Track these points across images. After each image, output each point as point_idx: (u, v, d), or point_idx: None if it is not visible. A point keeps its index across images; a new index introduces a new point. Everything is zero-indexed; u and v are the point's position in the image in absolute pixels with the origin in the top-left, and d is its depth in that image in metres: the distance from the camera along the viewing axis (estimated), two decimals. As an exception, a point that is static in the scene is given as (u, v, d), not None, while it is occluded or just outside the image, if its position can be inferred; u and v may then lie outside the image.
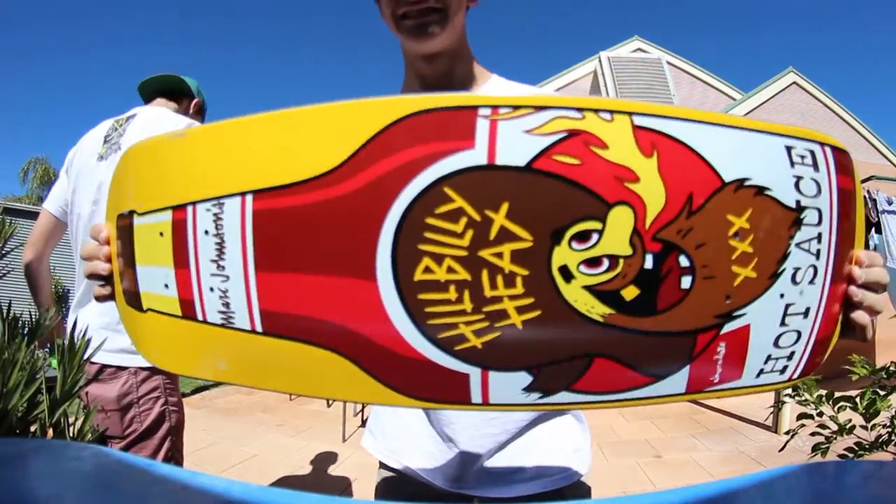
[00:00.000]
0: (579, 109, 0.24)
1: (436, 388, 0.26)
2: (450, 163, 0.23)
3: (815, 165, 0.29)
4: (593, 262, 0.25)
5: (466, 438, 0.58)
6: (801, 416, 1.24)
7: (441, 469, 0.59)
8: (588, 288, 0.25)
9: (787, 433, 1.29)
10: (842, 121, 5.76)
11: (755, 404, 3.92)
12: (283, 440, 3.26)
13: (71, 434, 0.62)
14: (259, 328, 0.26)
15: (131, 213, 0.29)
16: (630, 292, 0.25)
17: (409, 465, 0.62)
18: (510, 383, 0.26)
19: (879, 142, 5.94)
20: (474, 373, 0.25)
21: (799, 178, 0.28)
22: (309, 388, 0.28)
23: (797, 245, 0.29)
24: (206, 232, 0.26)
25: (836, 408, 1.21)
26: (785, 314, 0.29)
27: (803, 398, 1.25)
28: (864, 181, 4.17)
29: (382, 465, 0.66)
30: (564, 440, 0.61)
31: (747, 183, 0.27)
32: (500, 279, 0.24)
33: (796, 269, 0.29)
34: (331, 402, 4.44)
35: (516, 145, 0.23)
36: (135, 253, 0.29)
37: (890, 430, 1.17)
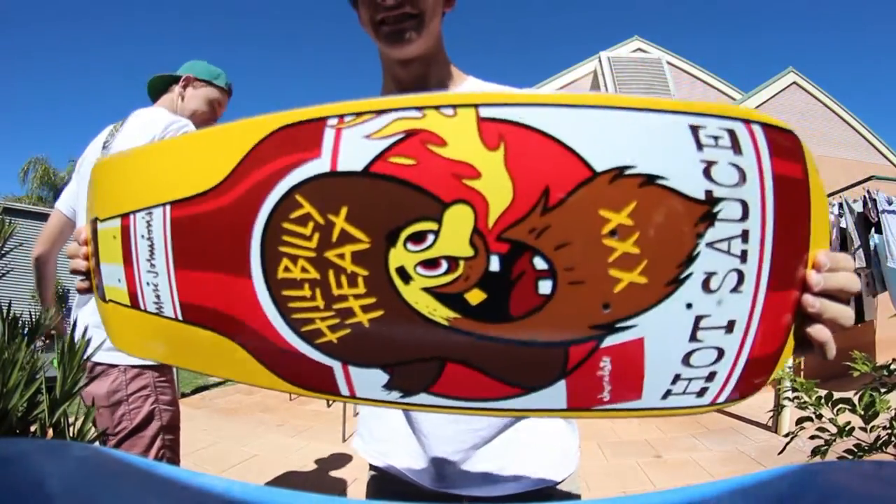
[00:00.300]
0: (420, 108, 0.24)
1: (310, 378, 0.28)
2: (301, 172, 0.25)
3: (736, 148, 0.24)
4: (431, 263, 0.24)
5: (439, 437, 0.59)
6: (800, 420, 1.24)
7: (426, 469, 0.60)
8: (428, 290, 0.24)
9: (786, 434, 1.29)
10: (842, 121, 5.76)
11: (755, 405, 3.92)
12: (283, 440, 3.26)
13: (71, 434, 0.62)
14: (180, 317, 0.30)
15: (95, 219, 0.34)
16: (475, 296, 0.24)
17: (396, 466, 0.63)
18: (370, 379, 0.27)
19: (879, 142, 5.94)
20: (336, 366, 0.27)
21: (710, 164, 0.23)
22: (219, 371, 0.31)
23: (709, 245, 0.24)
24: (143, 236, 0.30)
25: (835, 410, 1.21)
26: (696, 328, 0.25)
27: (802, 401, 1.25)
28: (864, 181, 4.17)
29: (372, 466, 0.68)
30: (550, 439, 0.62)
31: (629, 172, 0.23)
32: (343, 279, 0.25)
33: (709, 274, 0.24)
34: (331, 402, 4.44)
35: (356, 151, 0.24)
36: (99, 253, 0.35)
37: (889, 431, 1.17)
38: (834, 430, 1.21)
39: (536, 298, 0.24)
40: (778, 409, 1.52)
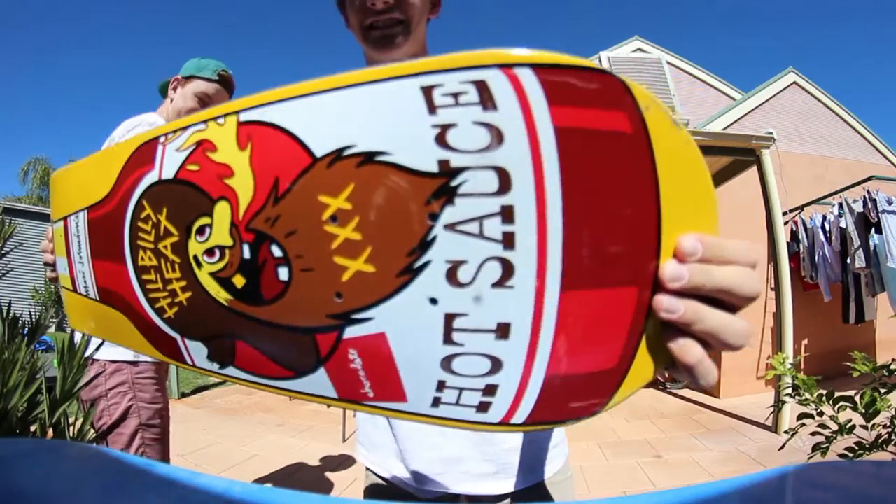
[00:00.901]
0: (205, 121, 0.27)
1: (166, 347, 0.32)
2: (144, 182, 0.30)
3: (488, 103, 0.19)
4: (210, 252, 0.27)
5: (423, 444, 0.62)
6: (801, 417, 1.24)
7: (420, 472, 0.62)
8: (212, 275, 0.27)
9: (786, 432, 1.29)
10: (842, 121, 5.76)
11: (755, 404, 3.92)
12: (283, 440, 3.26)
13: (71, 434, 0.62)
14: (97, 297, 0.37)
15: (52, 221, 0.42)
16: (238, 280, 0.26)
17: (396, 474, 0.65)
18: (198, 351, 0.30)
19: (879, 142, 5.94)
20: (178, 338, 0.31)
21: (445, 128, 0.20)
22: (122, 341, 0.37)
23: (449, 227, 0.20)
24: (74, 234, 0.37)
25: (836, 408, 1.21)
26: (449, 328, 0.21)
27: (803, 398, 1.25)
28: (864, 181, 4.17)
29: (369, 470, 0.69)
30: (539, 435, 0.64)
31: (348, 153, 0.21)
32: (168, 265, 0.29)
33: (455, 263, 0.20)
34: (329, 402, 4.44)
35: (171, 162, 0.29)
36: (54, 248, 0.42)
37: (890, 429, 1.17)
38: (834, 427, 1.21)
39: (279, 284, 0.25)
40: (778, 405, 1.52)
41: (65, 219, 0.38)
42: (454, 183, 0.20)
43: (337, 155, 0.22)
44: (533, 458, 0.63)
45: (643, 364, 0.22)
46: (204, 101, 1.23)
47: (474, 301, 0.21)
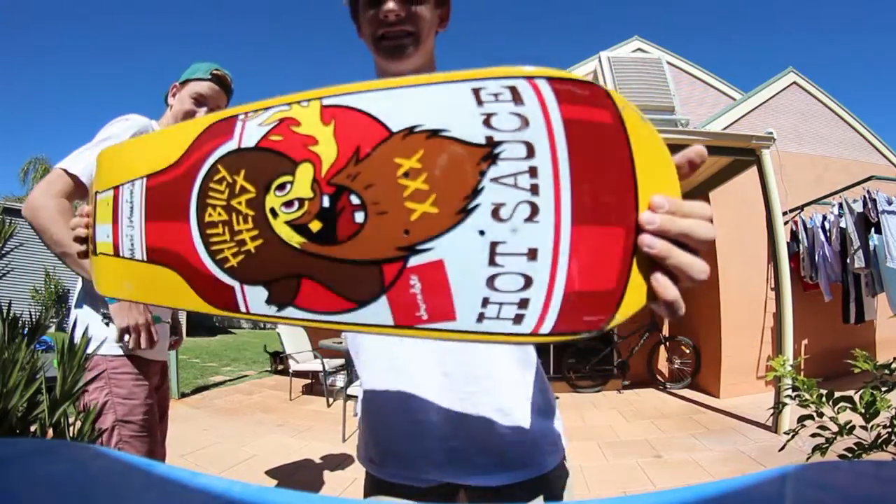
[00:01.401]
0: (289, 104, 0.35)
1: (220, 298, 0.37)
2: (221, 150, 0.37)
3: (518, 100, 0.28)
4: (289, 204, 0.34)
5: (433, 424, 0.62)
6: (801, 418, 1.24)
7: (424, 461, 0.64)
8: (288, 223, 0.34)
9: (786, 433, 1.29)
10: (842, 121, 5.76)
11: (755, 404, 3.92)
12: (283, 440, 3.26)
13: (71, 434, 0.62)
14: (145, 258, 0.42)
15: (96, 192, 0.47)
16: (315, 225, 0.33)
17: (397, 470, 0.66)
18: (257, 296, 0.35)
19: (879, 142, 5.94)
20: (237, 286, 0.36)
21: (490, 115, 0.29)
22: (165, 300, 0.42)
23: (494, 180, 0.28)
24: (127, 201, 0.43)
25: (836, 408, 1.21)
26: (493, 253, 0.28)
27: (804, 399, 1.25)
28: (864, 181, 4.17)
29: (369, 474, 0.70)
30: (537, 431, 0.66)
31: (417, 129, 0.30)
32: (240, 218, 0.35)
33: (498, 205, 0.28)
34: (331, 401, 4.45)
35: (252, 134, 0.36)
36: (95, 216, 0.47)
37: (890, 430, 1.17)
38: (835, 428, 1.21)
39: (354, 226, 0.31)
40: (779, 406, 1.52)
41: (116, 188, 0.45)
42: (496, 151, 0.28)
43: (410, 130, 0.30)
44: (532, 453, 0.64)
45: (635, 292, 0.29)
46: (199, 100, 1.24)
47: (511, 232, 0.28)
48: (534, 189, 0.28)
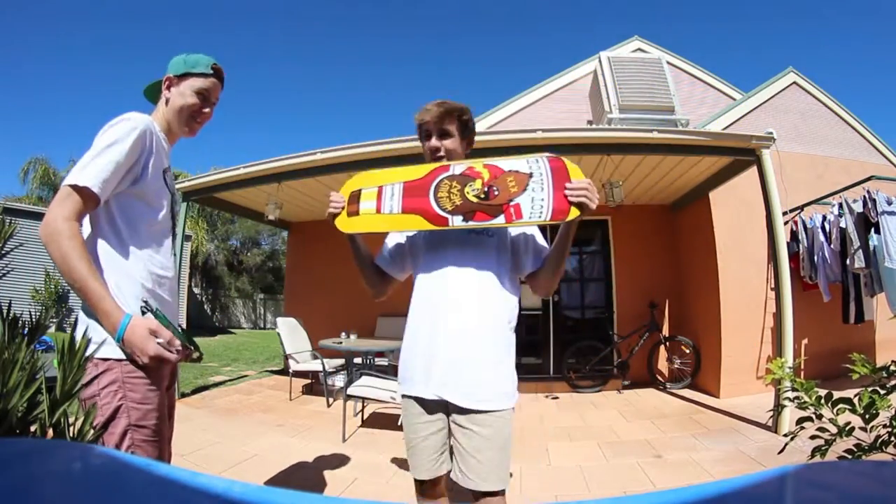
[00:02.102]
0: (468, 166, 1.29)
1: (440, 221, 1.19)
2: (444, 175, 1.29)
3: (538, 160, 1.21)
4: (474, 189, 1.21)
5: (442, 360, 1.23)
6: (801, 420, 1.24)
7: (430, 382, 1.24)
8: (475, 195, 1.19)
9: (786, 434, 1.29)
10: (841, 121, 5.76)
11: (755, 404, 3.92)
12: (283, 440, 3.26)
13: (71, 434, 0.62)
14: (400, 211, 1.24)
15: (360, 189, 1.31)
16: (482, 194, 1.19)
17: (414, 393, 1.28)
18: (458, 220, 1.19)
19: (879, 142, 5.94)
20: (449, 217, 1.19)
21: (530, 164, 1.21)
22: (407, 225, 1.24)
23: (532, 182, 1.17)
24: (389, 192, 1.28)
25: (835, 410, 1.21)
26: (533, 199, 1.15)
27: (802, 401, 1.25)
28: (864, 181, 4.17)
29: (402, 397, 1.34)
30: (502, 380, 1.24)
31: (510, 169, 1.21)
32: (453, 192, 1.22)
33: (535, 188, 1.16)
34: (331, 401, 4.45)
35: (457, 169, 1.29)
36: (360, 198, 1.29)
37: (889, 430, 1.17)
38: (834, 430, 1.21)
39: (493, 196, 1.19)
40: (778, 408, 1.52)
41: (380, 187, 1.28)
42: (533, 176, 1.19)
43: (517, 171, 1.21)
44: (498, 392, 1.22)
45: (574, 211, 1.13)
46: (203, 95, 1.24)
47: (541, 190, 1.17)
48: (543, 186, 1.16)
